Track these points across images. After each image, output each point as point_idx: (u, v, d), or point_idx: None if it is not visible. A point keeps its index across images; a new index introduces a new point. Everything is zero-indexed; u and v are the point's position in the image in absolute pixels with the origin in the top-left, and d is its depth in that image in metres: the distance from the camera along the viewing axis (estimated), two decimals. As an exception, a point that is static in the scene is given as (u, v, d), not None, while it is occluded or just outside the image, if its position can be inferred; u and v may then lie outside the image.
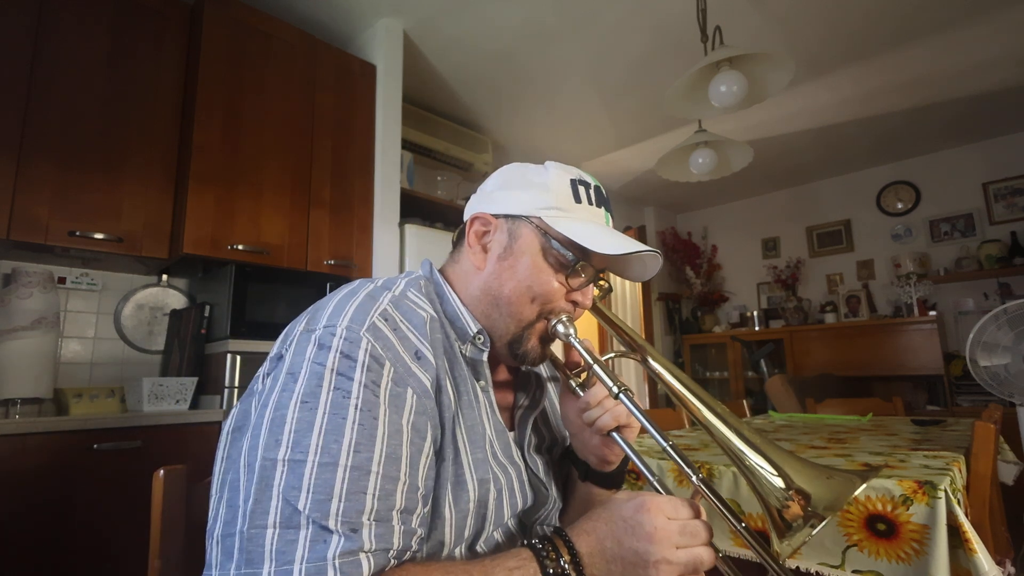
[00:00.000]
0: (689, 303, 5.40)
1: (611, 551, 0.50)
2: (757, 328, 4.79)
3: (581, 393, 0.67)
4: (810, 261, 4.88)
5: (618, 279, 4.87)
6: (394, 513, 0.49)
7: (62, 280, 2.01)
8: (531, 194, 0.66)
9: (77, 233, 1.76)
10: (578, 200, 0.66)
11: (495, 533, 0.62)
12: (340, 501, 0.47)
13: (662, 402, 4.81)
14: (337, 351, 0.52)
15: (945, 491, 0.94)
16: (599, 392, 0.64)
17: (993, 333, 2.33)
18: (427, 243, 2.58)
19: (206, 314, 2.09)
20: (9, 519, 1.40)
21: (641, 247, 0.62)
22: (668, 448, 0.57)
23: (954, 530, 0.92)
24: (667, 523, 0.50)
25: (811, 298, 4.81)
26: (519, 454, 0.68)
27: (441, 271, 0.71)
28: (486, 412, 0.65)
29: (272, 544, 0.45)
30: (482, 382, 0.66)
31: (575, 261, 0.64)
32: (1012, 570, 1.29)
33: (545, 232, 0.65)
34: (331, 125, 2.38)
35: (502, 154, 3.92)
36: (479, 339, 0.65)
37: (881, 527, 0.98)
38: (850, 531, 1.01)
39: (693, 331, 5.19)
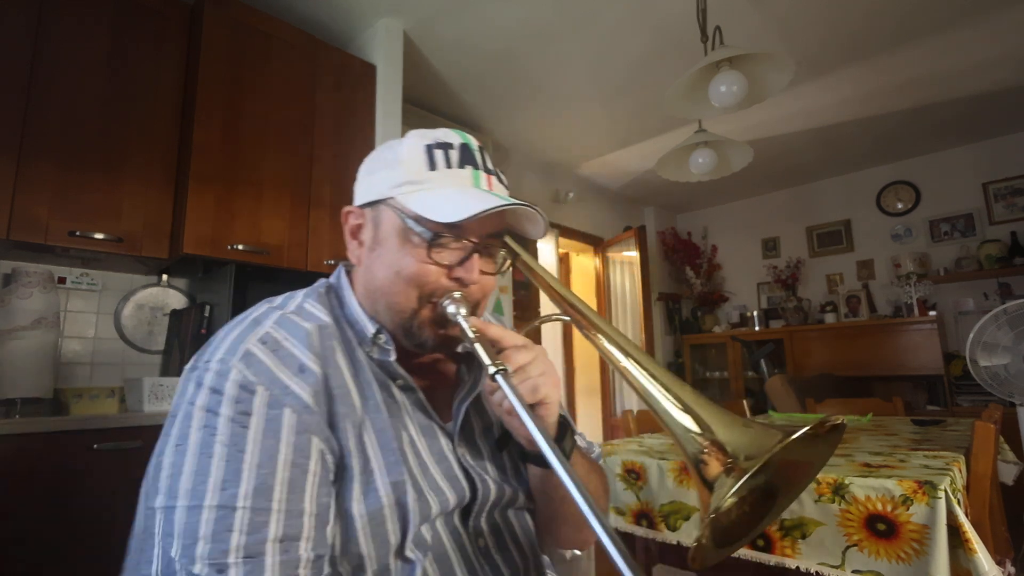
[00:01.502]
0: (689, 303, 5.40)
1: None
2: (757, 328, 4.79)
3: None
4: (810, 261, 4.88)
5: (618, 284, 4.87)
6: (268, 545, 0.48)
7: (62, 280, 2.01)
8: (385, 173, 0.62)
9: (77, 233, 1.76)
10: (433, 167, 0.61)
11: (424, 531, 0.59)
12: (206, 543, 0.46)
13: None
14: (207, 387, 0.52)
15: (945, 491, 0.94)
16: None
17: (993, 333, 2.33)
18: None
19: (206, 314, 2.09)
20: (9, 519, 1.40)
21: (490, 206, 0.56)
22: (530, 423, 0.49)
23: (954, 530, 0.92)
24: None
25: (811, 298, 4.81)
26: (450, 447, 0.65)
27: (349, 273, 0.68)
28: (407, 411, 0.63)
29: None
30: (400, 381, 0.63)
31: (433, 236, 0.58)
32: (1012, 570, 1.29)
33: (401, 212, 0.60)
34: (331, 125, 2.38)
35: (502, 154, 3.92)
36: (380, 339, 0.62)
37: (881, 527, 0.98)
38: (850, 531, 1.01)
39: (693, 331, 5.19)
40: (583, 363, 4.73)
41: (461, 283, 0.61)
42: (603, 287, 4.95)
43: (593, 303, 5.11)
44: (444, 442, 0.65)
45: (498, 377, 0.54)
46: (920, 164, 4.39)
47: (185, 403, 0.53)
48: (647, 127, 3.72)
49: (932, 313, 3.95)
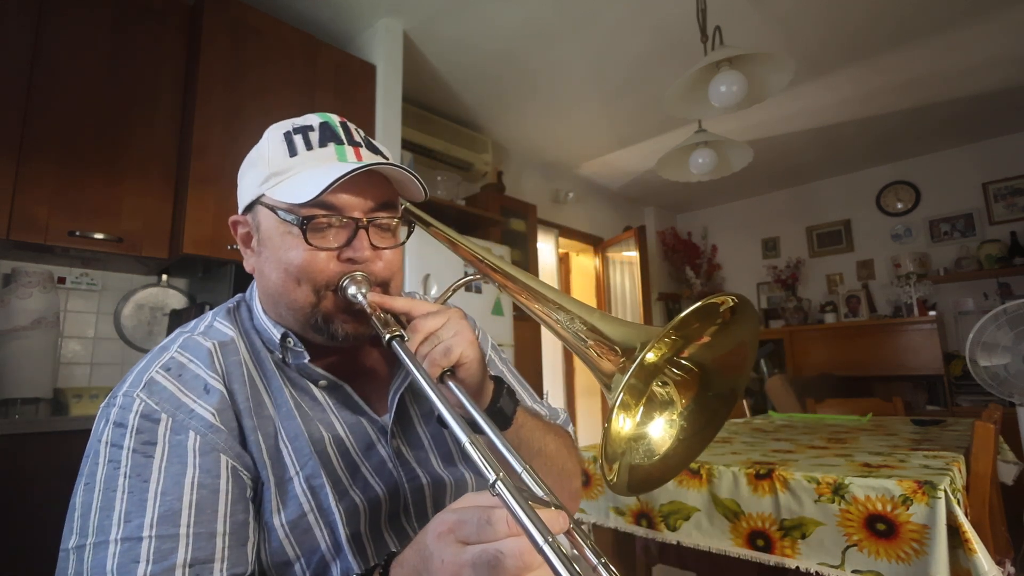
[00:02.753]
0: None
1: (411, 566, 0.40)
2: (757, 328, 4.79)
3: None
4: (810, 261, 4.88)
5: (618, 284, 4.87)
6: (177, 570, 0.47)
7: (62, 280, 2.01)
8: (252, 173, 0.61)
9: (77, 233, 1.76)
10: (294, 153, 0.59)
11: (365, 531, 0.57)
12: (112, 573, 0.45)
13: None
14: (112, 422, 0.52)
15: (945, 491, 0.94)
16: (413, 342, 0.54)
17: (993, 333, 2.33)
18: (426, 243, 2.57)
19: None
20: (9, 518, 1.40)
21: (344, 172, 0.53)
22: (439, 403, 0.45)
23: (954, 530, 0.92)
24: (456, 515, 0.38)
25: (811, 298, 4.81)
26: (383, 441, 0.62)
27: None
28: (331, 411, 0.61)
29: None
30: (322, 381, 0.61)
31: (304, 221, 0.55)
32: (1012, 570, 1.29)
33: (272, 206, 0.58)
34: (331, 125, 2.38)
35: (502, 154, 3.92)
36: (289, 342, 0.60)
37: (881, 527, 0.98)
38: (850, 531, 1.01)
39: (693, 331, 5.18)
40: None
41: (353, 263, 0.57)
42: (603, 287, 4.95)
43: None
44: (375, 436, 0.62)
45: (394, 344, 0.52)
46: (920, 164, 4.39)
47: (94, 441, 0.53)
48: (647, 127, 3.72)
49: (932, 313, 3.95)
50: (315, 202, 0.54)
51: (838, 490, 1.04)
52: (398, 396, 0.64)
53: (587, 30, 2.64)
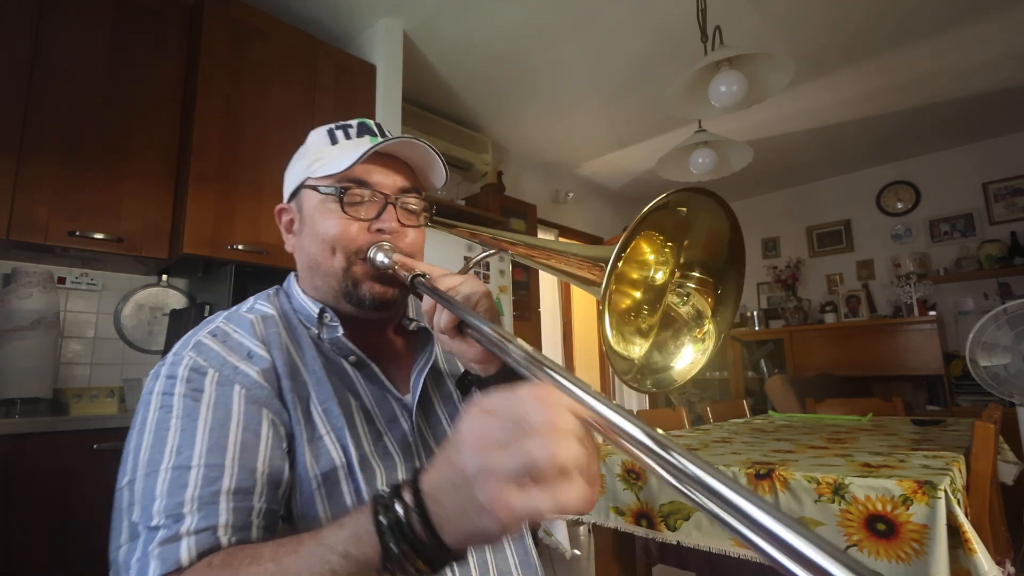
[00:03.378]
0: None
1: (446, 479, 0.38)
2: (757, 328, 4.79)
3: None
4: (810, 261, 4.88)
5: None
6: (222, 496, 0.50)
7: (62, 280, 2.01)
8: (299, 165, 0.70)
9: (77, 233, 1.76)
10: (334, 142, 0.69)
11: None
12: (162, 499, 0.49)
13: (662, 402, 4.82)
14: (163, 376, 0.57)
15: (945, 491, 0.94)
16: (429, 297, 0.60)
17: (993, 333, 2.33)
18: (426, 243, 2.58)
19: (206, 314, 2.09)
20: (9, 519, 1.40)
21: (378, 143, 0.62)
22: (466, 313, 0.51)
23: (954, 530, 0.92)
24: (485, 422, 0.35)
25: (811, 298, 4.81)
26: (406, 417, 0.67)
27: (296, 276, 0.73)
28: (360, 385, 0.66)
29: (122, 559, 0.48)
30: (352, 357, 0.66)
31: (341, 190, 0.64)
32: (1012, 570, 1.29)
33: (314, 185, 0.67)
34: (331, 125, 2.38)
35: (502, 154, 3.92)
36: (326, 317, 0.66)
37: (881, 527, 0.98)
38: (850, 531, 1.01)
39: (693, 331, 5.18)
40: (583, 364, 4.73)
41: (381, 233, 0.65)
42: (603, 287, 4.95)
43: (593, 303, 5.10)
44: (399, 412, 0.67)
45: (416, 282, 0.58)
46: (920, 164, 4.39)
47: (145, 394, 0.57)
48: (647, 127, 3.72)
49: (932, 313, 3.95)
50: (350, 177, 0.64)
51: (838, 490, 1.04)
52: (422, 378, 0.68)
53: (587, 30, 2.64)
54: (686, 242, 0.54)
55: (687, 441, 1.66)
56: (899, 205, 4.47)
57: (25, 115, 1.71)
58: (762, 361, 4.29)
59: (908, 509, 0.96)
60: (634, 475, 1.35)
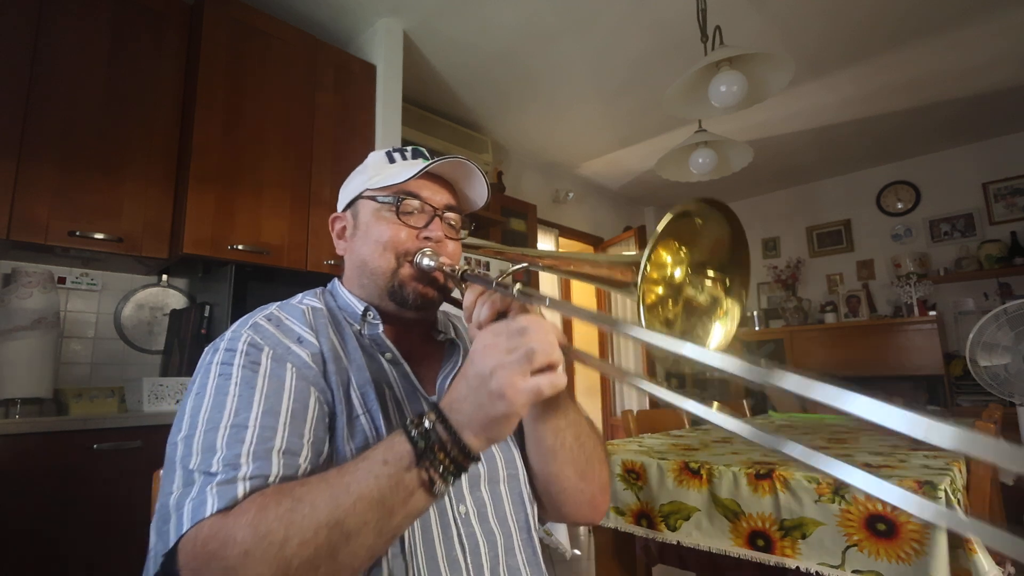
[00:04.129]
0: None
1: (463, 389, 0.51)
2: (757, 328, 4.79)
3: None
4: (810, 261, 4.88)
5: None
6: (274, 453, 0.55)
7: (62, 280, 2.01)
8: (358, 179, 0.79)
9: (77, 233, 1.76)
10: (392, 161, 0.78)
11: None
12: (222, 451, 0.53)
13: (662, 402, 4.82)
14: (222, 349, 0.63)
15: (945, 491, 0.94)
16: (471, 295, 0.66)
17: (993, 333, 2.33)
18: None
19: (206, 314, 2.09)
20: (9, 519, 1.40)
21: (434, 161, 0.72)
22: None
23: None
24: (494, 338, 0.51)
25: (811, 298, 4.81)
26: None
27: (340, 279, 0.81)
28: (393, 379, 0.71)
29: (175, 501, 0.52)
30: (388, 355, 0.72)
31: (397, 199, 0.73)
32: (1012, 570, 1.29)
33: (372, 195, 0.75)
34: (331, 125, 2.38)
35: (502, 154, 3.92)
36: (369, 315, 0.73)
37: (881, 527, 0.98)
38: (850, 531, 1.01)
39: (693, 331, 5.18)
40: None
41: (428, 241, 0.73)
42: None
43: (592, 304, 5.11)
44: (426, 409, 0.71)
45: (466, 275, 0.67)
46: (920, 164, 4.39)
47: (203, 365, 0.62)
48: (647, 127, 3.72)
49: (932, 313, 3.95)
50: (405, 190, 0.73)
51: (838, 490, 1.04)
52: (447, 382, 0.74)
53: (587, 30, 2.64)
54: (697, 246, 0.62)
55: (687, 441, 1.66)
56: (899, 205, 4.47)
57: (25, 115, 1.71)
58: (762, 361, 4.29)
59: (908, 509, 0.96)
60: (634, 475, 1.35)
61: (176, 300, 2.29)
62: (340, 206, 0.81)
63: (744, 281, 0.62)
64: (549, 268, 0.71)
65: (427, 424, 0.51)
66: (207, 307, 2.10)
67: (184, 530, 0.49)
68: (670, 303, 0.63)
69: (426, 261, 0.71)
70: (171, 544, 0.49)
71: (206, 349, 0.66)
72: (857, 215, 4.67)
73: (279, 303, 0.72)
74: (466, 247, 0.83)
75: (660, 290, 0.62)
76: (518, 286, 0.64)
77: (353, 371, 0.68)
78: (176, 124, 2.03)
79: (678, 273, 0.63)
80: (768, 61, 1.83)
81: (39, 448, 1.47)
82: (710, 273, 0.63)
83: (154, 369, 2.19)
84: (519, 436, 0.77)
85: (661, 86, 3.01)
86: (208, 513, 0.49)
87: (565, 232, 4.52)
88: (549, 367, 0.50)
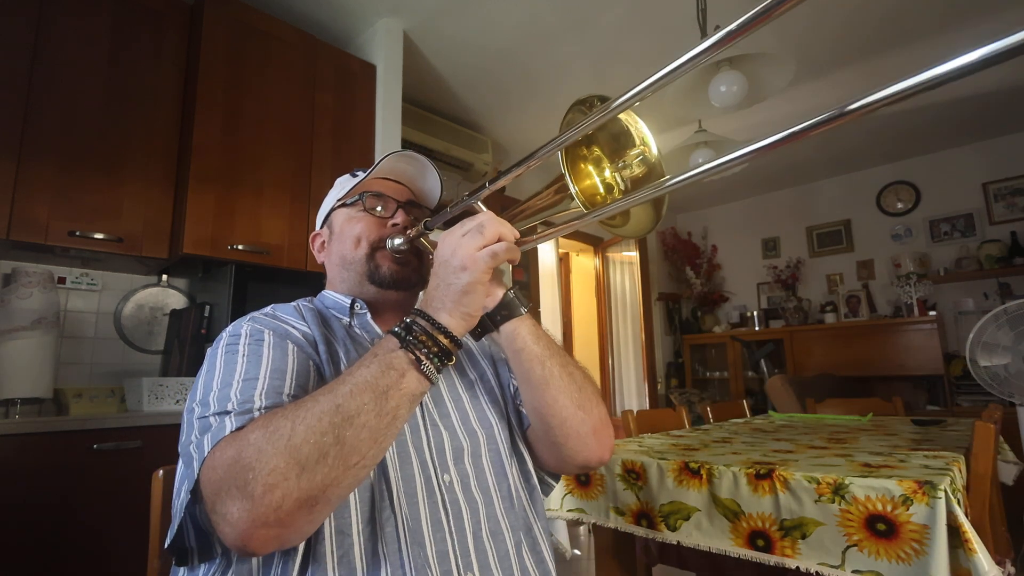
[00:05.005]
0: (689, 303, 5.40)
1: (433, 281, 0.62)
2: (757, 328, 4.79)
3: None
4: (810, 261, 4.88)
5: (618, 284, 4.88)
6: (284, 397, 0.60)
7: (62, 280, 2.01)
8: (329, 199, 0.89)
9: (77, 233, 1.76)
10: (355, 176, 0.87)
11: (392, 456, 0.67)
12: (236, 398, 0.58)
13: (662, 402, 4.82)
14: (226, 334, 0.68)
15: (945, 491, 0.94)
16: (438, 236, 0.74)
17: (993, 333, 2.33)
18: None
19: (206, 314, 2.09)
20: (9, 519, 1.40)
21: (384, 156, 0.81)
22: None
23: (954, 530, 0.92)
24: (451, 232, 0.63)
25: (811, 298, 4.81)
26: (429, 398, 0.75)
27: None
28: None
29: (195, 444, 0.55)
30: (375, 339, 0.77)
31: (362, 196, 0.82)
32: (1012, 570, 1.29)
33: (341, 204, 0.85)
34: (331, 125, 2.38)
35: (502, 154, 3.92)
36: (356, 305, 0.79)
37: (881, 527, 0.98)
38: (850, 531, 1.01)
39: (693, 331, 5.19)
40: (583, 361, 4.73)
41: (396, 227, 0.81)
42: (603, 287, 4.96)
43: (593, 303, 5.11)
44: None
45: (427, 222, 0.77)
46: (920, 164, 4.39)
47: (210, 351, 0.67)
48: (647, 127, 3.72)
49: (932, 313, 3.95)
50: (367, 189, 0.83)
51: (838, 490, 1.04)
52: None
53: (587, 30, 2.64)
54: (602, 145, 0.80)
55: (687, 441, 1.66)
56: (899, 205, 4.47)
57: (25, 115, 1.71)
58: (762, 361, 4.29)
59: (908, 509, 0.96)
60: (634, 475, 1.35)
61: (176, 300, 2.29)
62: (318, 225, 0.91)
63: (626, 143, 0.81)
64: (517, 220, 0.79)
65: (407, 319, 0.59)
66: (207, 307, 2.10)
67: (206, 452, 0.53)
68: (603, 188, 0.80)
69: (397, 241, 0.79)
70: (196, 474, 0.53)
71: (215, 341, 0.70)
72: (857, 215, 4.67)
73: (273, 305, 0.78)
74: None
75: (595, 183, 0.79)
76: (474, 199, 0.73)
77: (342, 351, 0.73)
78: (176, 124, 2.03)
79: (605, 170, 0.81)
80: (768, 61, 1.83)
81: (39, 448, 1.47)
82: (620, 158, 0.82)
83: (154, 369, 2.19)
84: (508, 409, 0.82)
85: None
86: (227, 432, 0.53)
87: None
88: (500, 239, 0.61)
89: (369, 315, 0.79)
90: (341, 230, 0.83)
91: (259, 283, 2.07)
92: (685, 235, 5.51)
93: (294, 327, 0.71)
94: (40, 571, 1.43)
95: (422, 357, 0.56)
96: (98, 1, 1.88)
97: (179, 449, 0.59)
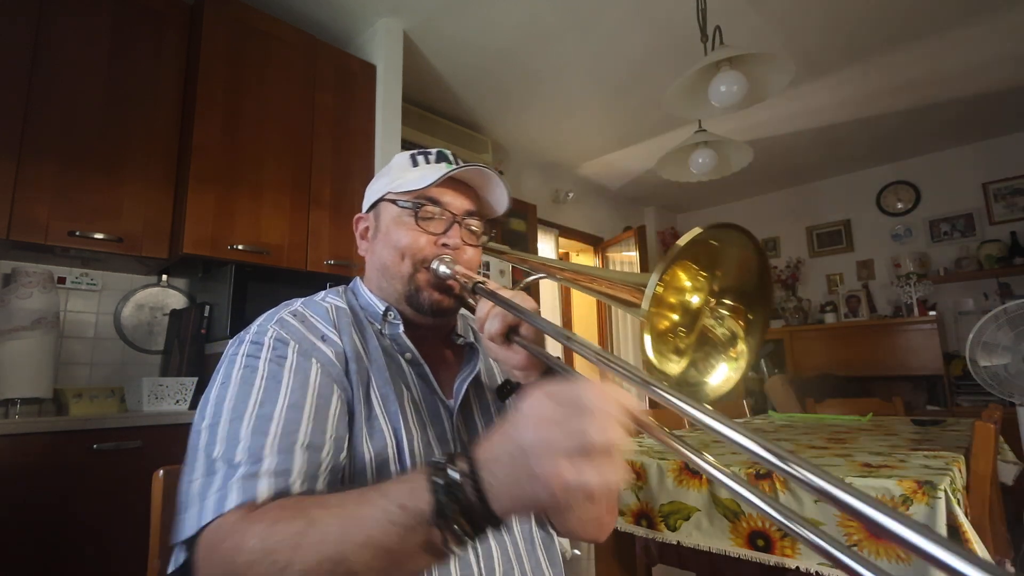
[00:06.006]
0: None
1: (502, 452, 0.44)
2: (757, 328, 4.79)
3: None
4: (810, 261, 4.88)
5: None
6: (297, 447, 0.56)
7: (62, 280, 2.01)
8: (382, 181, 0.79)
9: (77, 233, 1.76)
10: (415, 165, 0.78)
11: None
12: (246, 440, 0.54)
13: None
14: (248, 341, 0.64)
15: (945, 491, 0.94)
16: (485, 304, 0.65)
17: (993, 333, 2.33)
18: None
19: (206, 314, 2.09)
20: (9, 519, 1.40)
21: (454, 168, 0.72)
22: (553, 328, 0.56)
23: (954, 530, 0.92)
24: (550, 407, 0.42)
25: (811, 298, 4.81)
26: (448, 419, 0.73)
27: (362, 278, 0.82)
28: (411, 380, 0.72)
29: (197, 490, 0.53)
30: (408, 355, 0.73)
31: (416, 205, 0.73)
32: (1012, 570, 1.29)
33: (393, 199, 0.76)
34: (331, 125, 2.38)
35: (502, 154, 3.92)
36: (390, 315, 0.74)
37: (881, 527, 0.98)
38: (850, 531, 1.01)
39: (693, 331, 5.19)
40: (582, 362, 4.73)
41: (447, 248, 0.73)
42: (603, 287, 4.95)
43: (593, 303, 5.11)
44: (443, 413, 0.73)
45: (478, 288, 0.66)
46: (920, 164, 4.39)
47: (228, 355, 0.64)
48: (647, 127, 3.72)
49: (932, 313, 3.95)
50: (425, 195, 0.73)
51: (838, 490, 1.04)
52: (464, 386, 0.74)
53: (587, 30, 2.64)
54: (719, 271, 0.60)
55: (688, 441, 1.66)
56: (899, 205, 4.47)
57: (25, 115, 1.71)
58: (762, 361, 4.29)
59: (908, 509, 0.96)
60: (634, 475, 1.35)
61: (176, 300, 2.29)
62: (364, 207, 0.82)
63: (766, 314, 0.59)
64: (568, 281, 0.70)
65: (454, 476, 0.45)
66: (207, 307, 2.10)
67: (206, 521, 0.50)
68: (683, 331, 0.60)
69: (443, 268, 0.72)
70: (189, 532, 0.51)
71: (230, 341, 0.67)
72: (857, 215, 4.67)
73: (303, 300, 0.73)
74: (489, 251, 0.83)
75: (675, 316, 0.59)
76: (529, 302, 0.63)
77: (374, 371, 0.69)
78: (176, 124, 2.03)
79: (695, 300, 0.59)
80: (768, 61, 1.83)
81: (39, 448, 1.47)
82: (729, 301, 0.59)
83: (154, 369, 2.19)
84: None
85: (661, 86, 3.01)
86: (229, 507, 0.50)
87: (565, 232, 4.51)
88: (606, 454, 0.41)
89: (402, 327, 0.73)
90: (387, 231, 0.76)
91: (259, 283, 2.07)
92: (685, 235, 5.51)
93: (324, 339, 0.67)
94: (40, 571, 1.43)
95: (450, 541, 0.45)
96: (98, 1, 1.88)
97: (184, 463, 0.57)
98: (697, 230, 0.52)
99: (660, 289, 0.56)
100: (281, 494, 0.52)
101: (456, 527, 0.45)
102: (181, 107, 2.04)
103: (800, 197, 4.99)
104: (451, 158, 0.79)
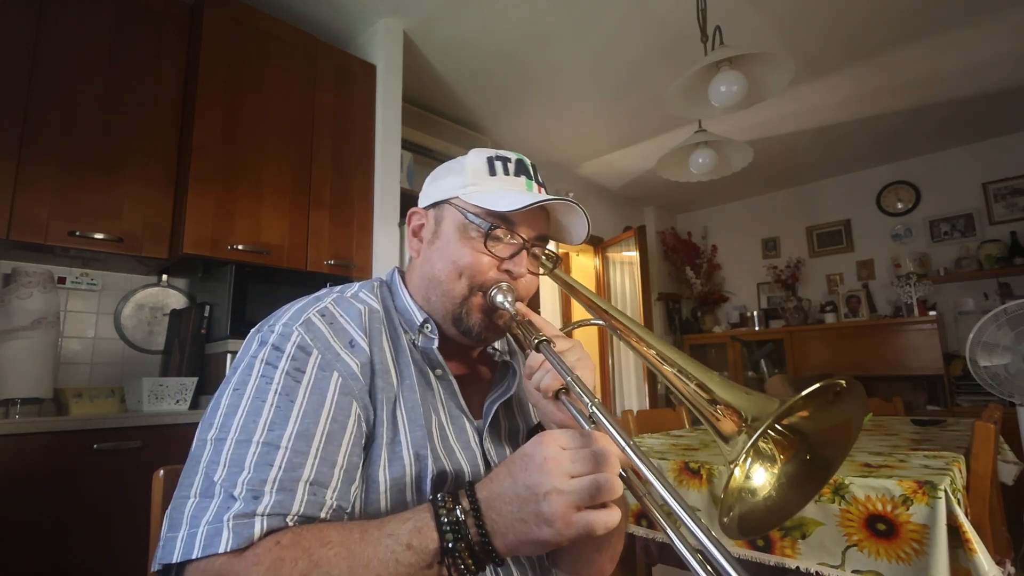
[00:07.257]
0: (689, 303, 5.40)
1: (508, 491, 0.48)
2: (757, 328, 4.79)
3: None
4: (810, 261, 4.88)
5: (618, 284, 4.88)
6: (300, 484, 0.53)
7: (62, 280, 2.01)
8: (451, 179, 0.71)
9: (77, 233, 1.76)
10: (493, 173, 0.70)
11: None
12: (248, 472, 0.52)
13: (662, 402, 4.82)
14: (270, 344, 0.59)
15: (945, 491, 0.94)
16: (538, 357, 0.62)
17: (993, 333, 2.33)
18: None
19: (206, 314, 2.09)
20: (9, 519, 1.40)
21: (543, 198, 0.64)
22: (593, 405, 0.53)
23: (954, 530, 0.92)
24: (559, 452, 0.47)
25: (811, 298, 4.81)
26: (477, 440, 0.69)
27: (401, 272, 0.76)
28: (440, 398, 0.68)
29: (190, 511, 0.51)
30: (438, 371, 0.69)
31: (490, 227, 0.66)
32: (1012, 570, 1.29)
33: (463, 208, 0.68)
34: (331, 125, 2.38)
35: (502, 154, 3.92)
36: (427, 328, 0.69)
37: (881, 527, 0.98)
38: (850, 531, 1.01)
39: (693, 331, 5.19)
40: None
41: (510, 275, 0.68)
42: (603, 287, 4.95)
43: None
44: (471, 434, 0.69)
45: (542, 346, 0.60)
46: (920, 164, 4.39)
47: (248, 356, 0.60)
48: (647, 127, 3.72)
49: (932, 313, 3.94)
50: (502, 216, 0.66)
51: (838, 490, 1.04)
52: (495, 407, 0.71)
53: (587, 30, 2.64)
54: (805, 412, 0.58)
55: (687, 441, 1.66)
56: (899, 205, 4.47)
57: (25, 115, 1.71)
58: (762, 361, 4.28)
59: (908, 509, 0.96)
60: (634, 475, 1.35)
61: (176, 300, 2.29)
62: (423, 201, 0.74)
63: (821, 479, 0.58)
64: (635, 350, 0.68)
65: (459, 514, 0.48)
66: (207, 307, 2.10)
67: (193, 556, 0.48)
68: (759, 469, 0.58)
69: (500, 298, 0.66)
70: (174, 559, 0.49)
71: (253, 334, 0.63)
72: (857, 215, 4.67)
73: (335, 295, 0.68)
74: (556, 279, 0.79)
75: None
76: (588, 371, 0.61)
77: (404, 389, 0.65)
78: (176, 124, 2.03)
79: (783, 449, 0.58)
80: (768, 61, 1.83)
81: (39, 448, 1.47)
82: (808, 457, 0.58)
83: (154, 369, 2.19)
84: None
85: (661, 86, 3.01)
86: (220, 550, 0.48)
87: (565, 232, 4.51)
88: (610, 501, 0.47)
89: (436, 343, 0.68)
90: (448, 241, 0.69)
91: (259, 283, 2.07)
92: (685, 235, 5.51)
93: (351, 345, 0.62)
94: (40, 571, 1.43)
95: (455, 575, 0.48)
96: (98, 1, 1.88)
97: (180, 479, 0.55)
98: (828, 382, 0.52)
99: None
100: (276, 531, 0.51)
101: (461, 561, 0.47)
102: (181, 107, 2.04)
103: (800, 197, 4.99)
104: (531, 171, 0.72)
